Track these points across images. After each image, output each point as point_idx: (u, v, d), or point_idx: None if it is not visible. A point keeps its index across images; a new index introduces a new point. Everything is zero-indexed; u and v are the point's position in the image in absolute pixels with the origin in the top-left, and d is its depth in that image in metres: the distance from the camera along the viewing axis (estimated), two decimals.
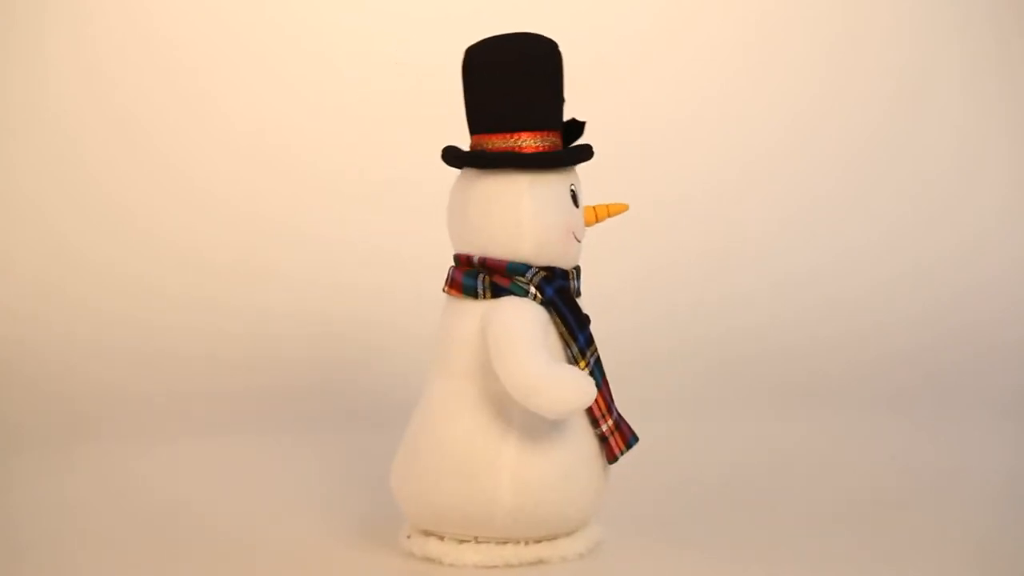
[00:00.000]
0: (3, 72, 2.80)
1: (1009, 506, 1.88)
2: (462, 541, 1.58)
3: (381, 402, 2.35)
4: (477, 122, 1.59)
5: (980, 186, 3.04)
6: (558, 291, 1.55)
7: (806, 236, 2.94)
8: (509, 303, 1.54)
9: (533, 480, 1.53)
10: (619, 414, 1.61)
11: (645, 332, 2.67)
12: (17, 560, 1.63)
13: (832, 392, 2.53)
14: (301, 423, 2.31)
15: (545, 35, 1.60)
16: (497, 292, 1.55)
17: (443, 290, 1.61)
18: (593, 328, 1.59)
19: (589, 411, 1.57)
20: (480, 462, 1.53)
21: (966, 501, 1.88)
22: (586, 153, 1.59)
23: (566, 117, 1.62)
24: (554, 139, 1.59)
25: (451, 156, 1.61)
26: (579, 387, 1.47)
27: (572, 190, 1.59)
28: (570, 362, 1.57)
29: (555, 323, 1.56)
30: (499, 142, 1.57)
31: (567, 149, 1.60)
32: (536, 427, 1.53)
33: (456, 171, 1.63)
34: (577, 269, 1.62)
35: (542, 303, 1.55)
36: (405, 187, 2.79)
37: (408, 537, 1.62)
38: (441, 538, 1.59)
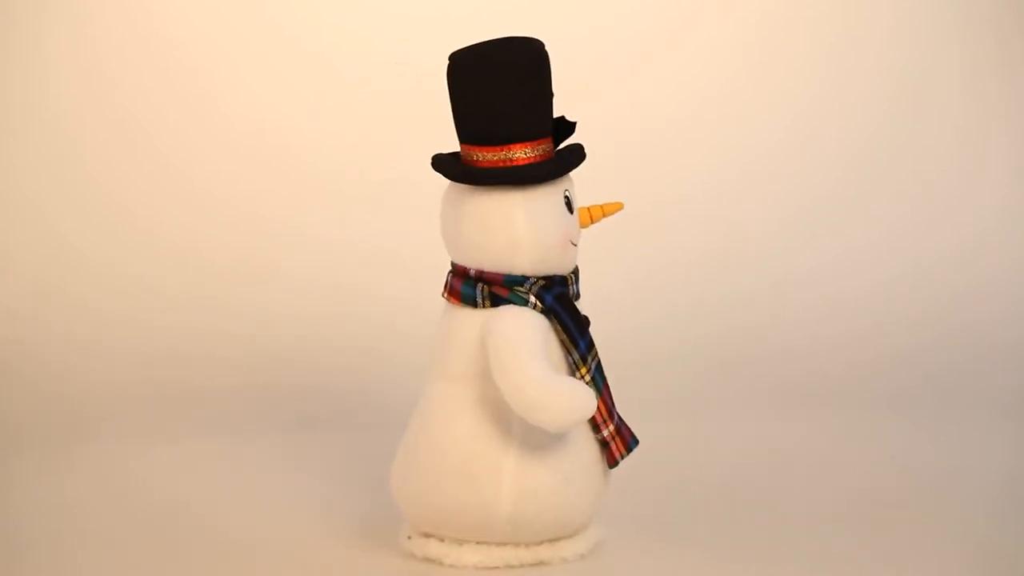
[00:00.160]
0: (3, 72, 2.80)
1: (1009, 506, 1.88)
2: (462, 542, 1.58)
3: (381, 402, 2.35)
4: (466, 132, 1.57)
5: (980, 186, 3.04)
6: (557, 298, 1.55)
7: (806, 236, 2.94)
8: (508, 313, 1.53)
9: (533, 487, 1.53)
10: (620, 418, 1.61)
11: (645, 332, 2.67)
12: (17, 560, 1.63)
13: (832, 392, 2.53)
14: (301, 423, 2.31)
15: (531, 37, 1.57)
16: (496, 301, 1.55)
17: (442, 296, 1.60)
18: (593, 329, 1.59)
19: (590, 417, 1.56)
20: (479, 467, 1.53)
21: (966, 501, 1.88)
22: (578, 157, 1.58)
23: (563, 118, 1.61)
24: (545, 146, 1.57)
25: (442, 168, 1.59)
26: (579, 399, 1.46)
27: (566, 196, 1.58)
28: (572, 369, 1.56)
29: (556, 330, 1.55)
30: (490, 155, 1.55)
31: (559, 155, 1.58)
32: (536, 433, 1.53)
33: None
34: (575, 272, 1.61)
35: (542, 311, 1.54)
36: (405, 187, 2.78)
37: (408, 538, 1.62)
38: (441, 539, 1.59)
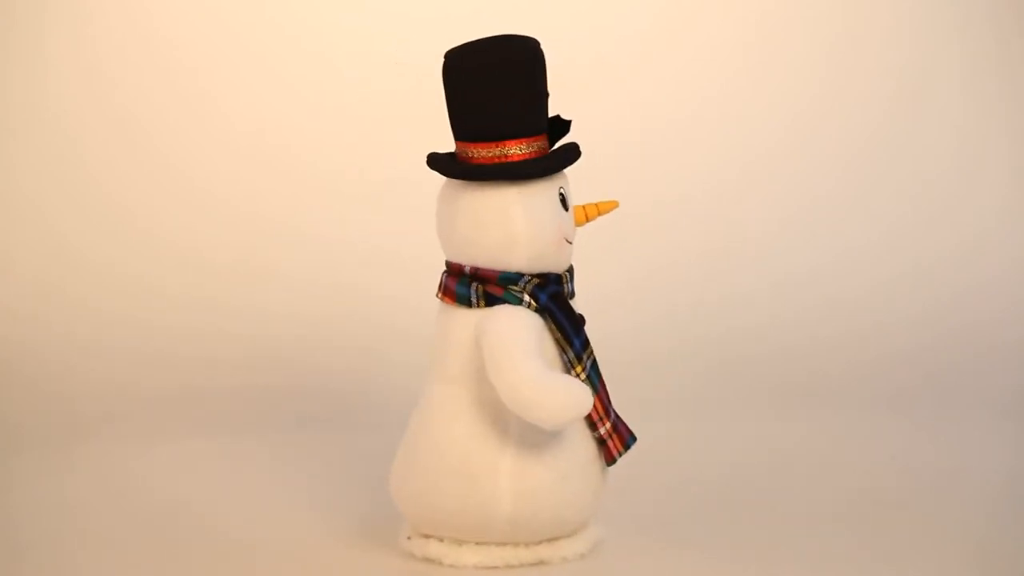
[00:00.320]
0: (3, 72, 2.80)
1: (1009, 506, 1.88)
2: (462, 542, 1.58)
3: (381, 403, 2.35)
4: (461, 129, 1.58)
5: (980, 186, 3.04)
6: (552, 297, 1.55)
7: (806, 236, 2.94)
8: (503, 312, 1.53)
9: (531, 486, 1.53)
10: (617, 415, 1.61)
11: (645, 332, 2.67)
12: (17, 560, 1.63)
13: (832, 392, 2.53)
14: (301, 423, 2.31)
15: (526, 35, 1.58)
16: (491, 301, 1.55)
17: (436, 296, 1.60)
18: (592, 328, 1.59)
19: (587, 415, 1.56)
20: (477, 467, 1.53)
21: (966, 501, 1.88)
22: (573, 155, 1.58)
23: (559, 116, 1.61)
24: (541, 143, 1.57)
25: (438, 163, 1.59)
26: (575, 397, 1.46)
27: (561, 193, 1.58)
28: (567, 367, 1.56)
29: (551, 329, 1.55)
30: (485, 151, 1.55)
31: (554, 153, 1.58)
32: (533, 432, 1.53)
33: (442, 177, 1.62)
34: (570, 270, 1.61)
35: (536, 310, 1.54)
36: (405, 187, 2.78)
37: (408, 538, 1.62)
38: (441, 539, 1.59)
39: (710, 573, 1.57)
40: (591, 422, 1.57)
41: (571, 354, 1.56)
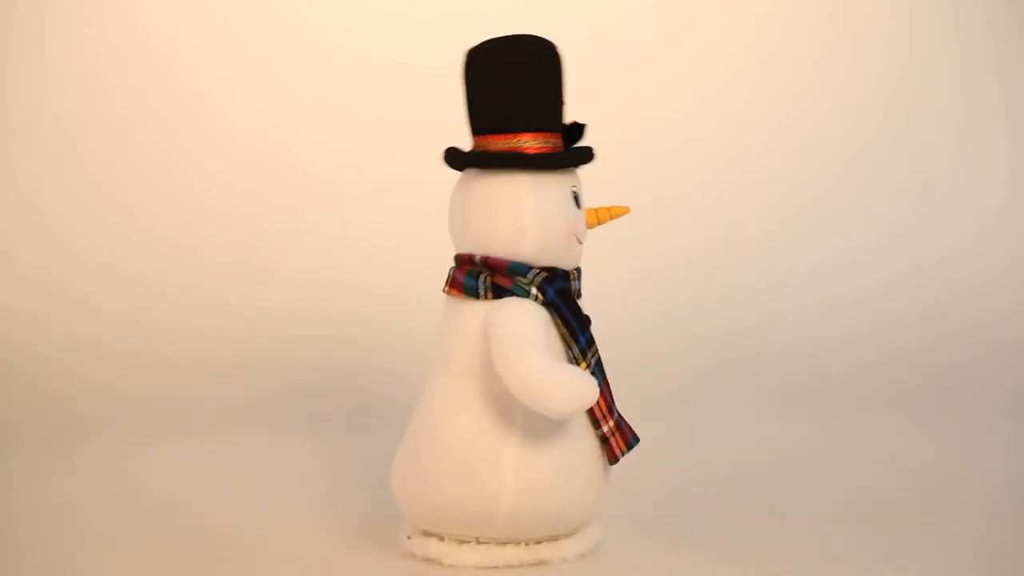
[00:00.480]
0: (3, 72, 2.80)
1: (1009, 506, 1.88)
2: (462, 542, 1.58)
3: (381, 402, 2.35)
4: (479, 124, 1.59)
5: (980, 186, 3.04)
6: (559, 292, 1.56)
7: (806, 236, 2.94)
8: (511, 304, 1.54)
9: (534, 481, 1.53)
10: (620, 415, 1.61)
11: (645, 332, 2.67)
12: (17, 560, 1.63)
13: (832, 392, 2.53)
14: (301, 423, 2.31)
15: (545, 37, 1.60)
16: (498, 292, 1.55)
17: (443, 291, 1.60)
18: (593, 328, 1.59)
19: (590, 412, 1.57)
20: (481, 463, 1.53)
21: (966, 501, 1.88)
22: (587, 155, 1.60)
23: (568, 120, 1.62)
24: (555, 141, 1.59)
25: (453, 157, 1.61)
26: (582, 387, 1.47)
27: (574, 191, 1.60)
28: (572, 362, 1.57)
29: (556, 324, 1.56)
30: (501, 143, 1.57)
31: (569, 150, 1.60)
32: (538, 428, 1.53)
33: (458, 174, 1.63)
34: (578, 270, 1.62)
35: (543, 304, 1.55)
36: (405, 187, 2.79)
37: (408, 538, 1.62)
38: (441, 539, 1.59)
39: (710, 573, 1.57)
40: (594, 419, 1.57)
41: (576, 350, 1.56)
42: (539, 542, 1.58)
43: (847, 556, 1.63)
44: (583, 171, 1.63)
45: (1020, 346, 2.72)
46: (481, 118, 1.59)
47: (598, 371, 1.58)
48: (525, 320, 1.52)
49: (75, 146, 2.80)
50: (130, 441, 2.20)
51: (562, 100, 1.60)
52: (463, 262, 1.59)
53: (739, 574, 1.57)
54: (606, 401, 1.58)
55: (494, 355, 1.50)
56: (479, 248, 1.58)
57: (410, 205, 2.74)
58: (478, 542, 1.57)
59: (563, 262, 1.58)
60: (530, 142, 1.56)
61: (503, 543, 1.57)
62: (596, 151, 1.59)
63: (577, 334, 1.56)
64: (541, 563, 1.57)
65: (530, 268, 1.56)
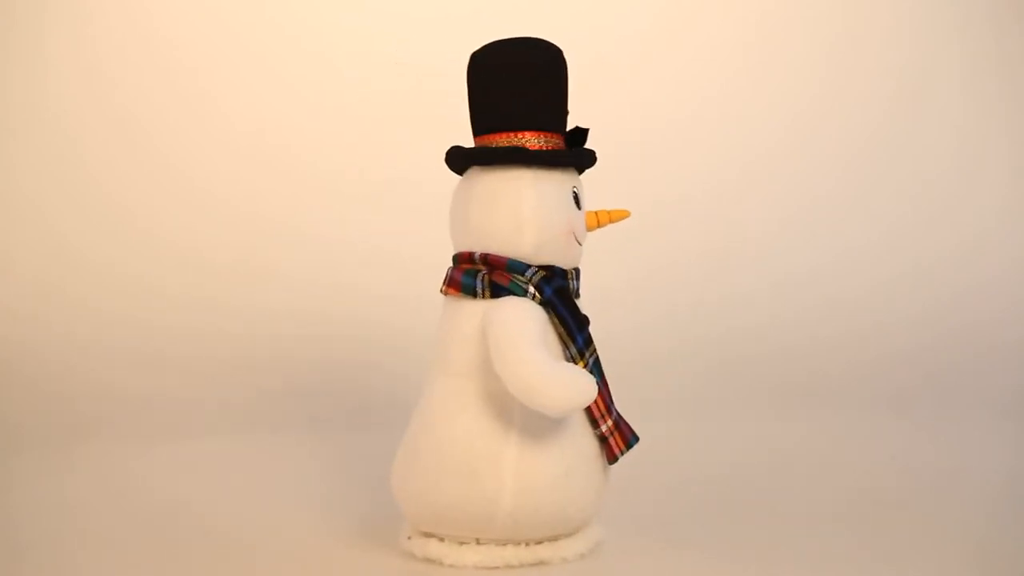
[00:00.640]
0: (3, 72, 2.80)
1: (1009, 506, 1.88)
2: (463, 542, 1.57)
3: (381, 402, 2.35)
4: (481, 123, 1.59)
5: (980, 186, 3.04)
6: (557, 291, 1.55)
7: (806, 236, 2.94)
8: (509, 303, 1.54)
9: (534, 481, 1.53)
10: (619, 414, 1.61)
11: (645, 332, 2.67)
12: (17, 560, 1.63)
13: (832, 392, 2.53)
14: (301, 423, 2.31)
15: (548, 41, 1.60)
16: (496, 291, 1.55)
17: (441, 291, 1.60)
18: (593, 328, 1.59)
19: (588, 411, 1.57)
20: (481, 463, 1.53)
21: (966, 501, 1.88)
22: (590, 157, 1.60)
23: (571, 126, 1.62)
24: (557, 141, 1.59)
25: (455, 156, 1.60)
26: (580, 385, 1.47)
27: (575, 192, 1.60)
28: (569, 361, 1.57)
29: (553, 323, 1.56)
30: (503, 140, 1.57)
31: (572, 150, 1.60)
32: (537, 427, 1.53)
33: (458, 178, 1.63)
34: (576, 271, 1.62)
35: (541, 303, 1.55)
36: (405, 187, 2.79)
37: (409, 538, 1.62)
38: (441, 539, 1.59)
39: (710, 573, 1.57)
40: (593, 419, 1.57)
41: (573, 349, 1.56)
42: (539, 542, 1.58)
43: (847, 556, 1.63)
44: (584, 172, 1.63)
45: (1020, 346, 2.72)
46: (482, 118, 1.59)
47: (596, 370, 1.59)
48: (523, 319, 1.52)
49: (75, 146, 2.80)
50: (130, 441, 2.20)
51: (564, 103, 1.60)
52: (462, 261, 1.59)
53: (739, 574, 1.57)
54: (604, 401, 1.58)
55: (492, 354, 1.50)
56: (478, 246, 1.58)
57: (410, 205, 2.74)
58: (478, 542, 1.57)
59: (562, 261, 1.58)
60: (532, 140, 1.57)
61: (503, 543, 1.57)
62: (596, 151, 1.60)
63: (575, 333, 1.56)
64: (541, 563, 1.57)
65: (528, 266, 1.56)
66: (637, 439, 1.62)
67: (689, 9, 3.02)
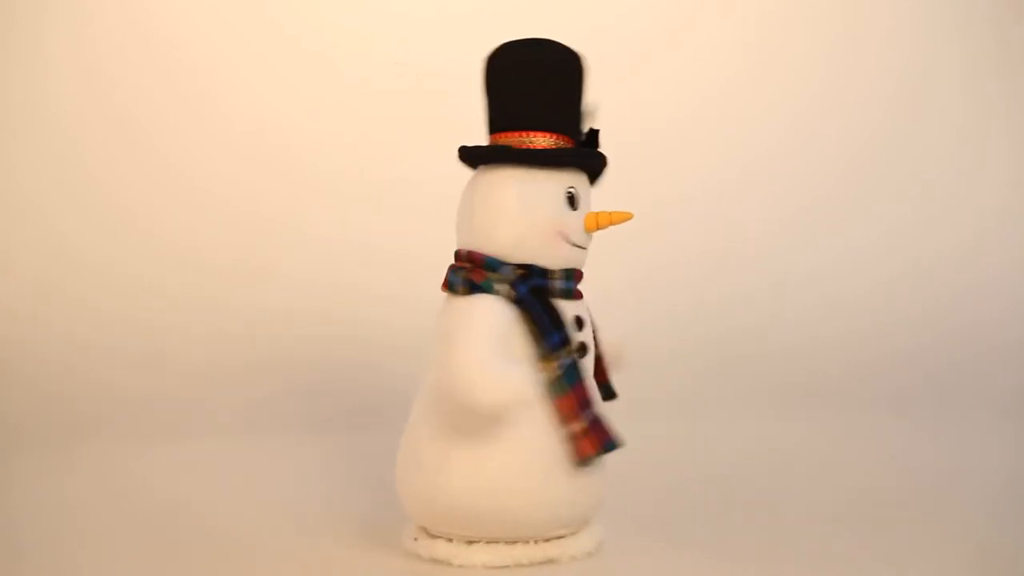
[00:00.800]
0: (3, 72, 2.80)
1: (1009, 506, 1.88)
2: (471, 542, 1.57)
3: (381, 402, 2.35)
4: (493, 122, 1.60)
5: (980, 186, 3.04)
6: (532, 290, 1.55)
7: (806, 236, 2.94)
8: (467, 300, 1.54)
9: (481, 480, 1.53)
10: (599, 417, 1.57)
11: (645, 332, 2.66)
12: (17, 560, 1.63)
13: (832, 392, 2.53)
14: (301, 423, 2.31)
15: (561, 43, 1.60)
16: (472, 289, 1.55)
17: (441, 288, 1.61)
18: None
19: (556, 411, 1.55)
20: (433, 460, 1.54)
21: (966, 501, 1.88)
22: (587, 157, 1.59)
23: (592, 129, 1.62)
24: (565, 143, 1.58)
25: (461, 153, 1.61)
26: (506, 384, 1.47)
27: (571, 192, 1.59)
28: (535, 362, 1.56)
29: (526, 322, 1.55)
30: (512, 140, 1.57)
31: (561, 149, 1.59)
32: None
33: (458, 174, 1.64)
34: (570, 272, 1.60)
35: (515, 301, 1.54)
36: (405, 187, 2.79)
37: (415, 539, 1.62)
38: (449, 540, 1.58)
39: (710, 573, 1.57)
40: (561, 418, 1.55)
41: (543, 348, 1.54)
42: (548, 540, 1.58)
43: (847, 556, 1.63)
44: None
45: (1020, 346, 2.72)
46: (495, 117, 1.59)
47: (571, 373, 1.55)
48: (474, 315, 1.52)
49: (75, 146, 2.80)
50: (130, 441, 2.20)
51: (576, 105, 1.59)
52: (456, 259, 1.60)
53: (739, 574, 1.57)
54: (578, 402, 1.56)
55: (437, 349, 1.51)
56: (465, 242, 1.58)
57: (410, 205, 2.74)
58: (487, 542, 1.57)
59: (545, 260, 1.57)
60: (539, 140, 1.56)
61: (512, 542, 1.57)
62: (604, 154, 1.59)
63: (548, 332, 1.54)
64: (550, 561, 1.57)
65: (504, 264, 1.55)
66: (616, 445, 1.56)
67: (689, 9, 3.02)
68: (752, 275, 2.87)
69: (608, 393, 1.65)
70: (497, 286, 1.54)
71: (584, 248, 1.60)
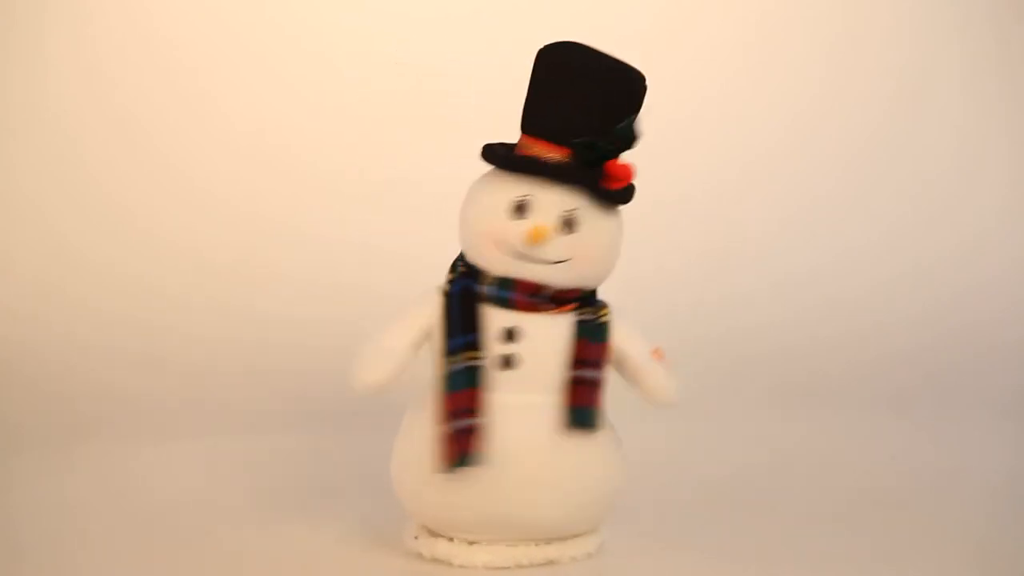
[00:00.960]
0: (3, 72, 2.80)
1: (1009, 506, 1.88)
2: (472, 542, 1.57)
3: (382, 402, 2.35)
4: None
5: (980, 186, 3.04)
6: (461, 289, 1.56)
7: (806, 236, 2.94)
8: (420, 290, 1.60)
9: (413, 484, 1.58)
10: (468, 429, 1.52)
11: (645, 332, 2.66)
12: (17, 560, 1.63)
13: (832, 392, 2.53)
14: (302, 423, 2.31)
15: (573, 44, 1.60)
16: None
17: None
18: None
19: (436, 409, 1.55)
20: (401, 462, 1.62)
21: (966, 501, 1.88)
22: (536, 166, 1.54)
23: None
24: (559, 154, 1.57)
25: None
26: (363, 364, 1.59)
27: (519, 201, 1.55)
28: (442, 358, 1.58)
29: (442, 317, 1.57)
30: (521, 142, 1.58)
31: (523, 156, 1.56)
32: (411, 418, 1.61)
33: (459, 174, 1.66)
34: (507, 281, 1.55)
35: (445, 296, 1.58)
36: (405, 187, 2.79)
37: (416, 538, 1.62)
38: (450, 539, 1.59)
39: (710, 573, 1.57)
40: (436, 418, 1.55)
41: (444, 347, 1.56)
42: (549, 542, 1.58)
43: (847, 556, 1.63)
44: None
45: (1020, 346, 2.72)
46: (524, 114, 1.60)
47: (464, 376, 1.53)
48: (406, 304, 1.61)
49: (75, 146, 2.80)
50: (130, 441, 2.20)
51: (576, 112, 1.57)
52: None
53: (739, 574, 1.57)
54: (452, 407, 1.53)
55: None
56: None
57: (410, 205, 2.74)
58: (488, 541, 1.57)
59: (486, 265, 1.56)
60: (534, 148, 1.56)
61: (514, 543, 1.57)
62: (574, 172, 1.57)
63: (454, 333, 1.54)
64: (550, 563, 1.57)
65: (459, 262, 1.59)
66: (467, 464, 1.51)
67: (689, 9, 3.02)
68: (752, 275, 2.86)
69: (581, 421, 1.56)
70: (446, 280, 1.58)
71: (537, 261, 1.54)
